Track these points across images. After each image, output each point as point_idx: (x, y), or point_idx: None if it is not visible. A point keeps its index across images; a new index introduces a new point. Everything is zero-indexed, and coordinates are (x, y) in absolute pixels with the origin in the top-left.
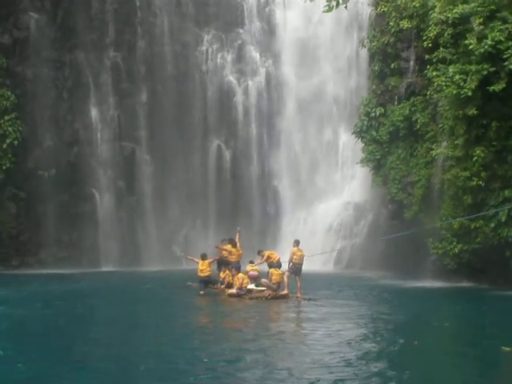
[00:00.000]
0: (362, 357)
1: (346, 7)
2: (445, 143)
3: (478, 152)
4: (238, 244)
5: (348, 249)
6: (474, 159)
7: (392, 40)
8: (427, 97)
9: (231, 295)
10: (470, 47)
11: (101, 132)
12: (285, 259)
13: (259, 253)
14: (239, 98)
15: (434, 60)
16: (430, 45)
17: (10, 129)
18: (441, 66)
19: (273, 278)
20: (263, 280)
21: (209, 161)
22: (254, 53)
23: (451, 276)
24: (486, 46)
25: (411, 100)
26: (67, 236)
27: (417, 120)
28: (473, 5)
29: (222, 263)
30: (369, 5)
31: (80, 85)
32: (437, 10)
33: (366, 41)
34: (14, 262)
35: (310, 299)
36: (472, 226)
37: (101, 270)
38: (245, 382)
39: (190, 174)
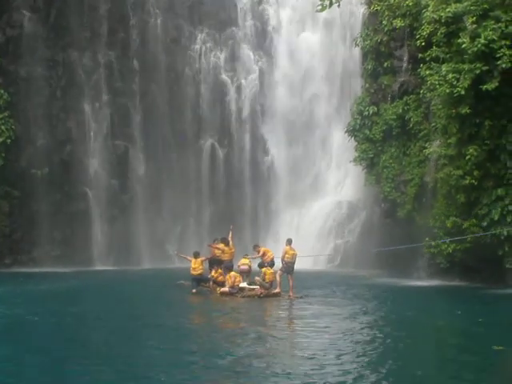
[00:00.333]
0: (353, 354)
1: (338, 6)
2: (438, 142)
3: (470, 151)
4: (230, 242)
5: (341, 247)
6: (467, 158)
7: (385, 39)
8: (420, 95)
9: (223, 293)
10: (463, 46)
11: (94, 130)
12: (278, 256)
13: (255, 248)
14: (232, 96)
15: (427, 59)
16: (423, 44)
17: (2, 127)
18: (434, 64)
19: (266, 276)
20: (256, 278)
21: (202, 159)
22: (247, 51)
23: (444, 275)
24: (479, 45)
25: (404, 99)
26: (60, 234)
27: (410, 119)
28: (466, 4)
29: (215, 262)
30: (362, 3)
31: (73, 83)
32: (430, 8)
33: (359, 39)
34: (7, 261)
35: (301, 297)
36: (465, 225)
37: (94, 268)
38: (236, 380)
39: (184, 173)
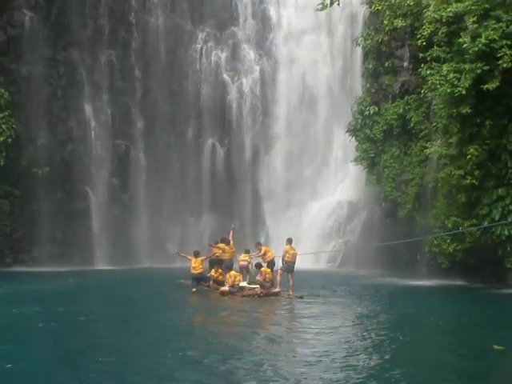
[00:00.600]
0: (353, 354)
1: (338, 4)
2: (439, 142)
3: (471, 150)
4: (231, 242)
5: (342, 247)
6: (468, 158)
7: (386, 38)
8: (421, 95)
9: (223, 293)
10: (464, 46)
11: (95, 130)
12: (278, 255)
13: (257, 245)
14: (233, 95)
15: (428, 58)
16: (424, 43)
17: (3, 126)
18: (435, 64)
19: (267, 276)
20: (257, 278)
21: (203, 159)
22: (248, 51)
23: (445, 274)
24: (480, 45)
25: (405, 98)
26: (61, 234)
27: (411, 118)
28: (467, 3)
29: (215, 262)
30: (363, 3)
31: (74, 83)
32: (431, 8)
33: (360, 39)
34: (8, 260)
35: (301, 297)
36: (465, 225)
37: (94, 267)
38: (235, 380)
39: (184, 172)
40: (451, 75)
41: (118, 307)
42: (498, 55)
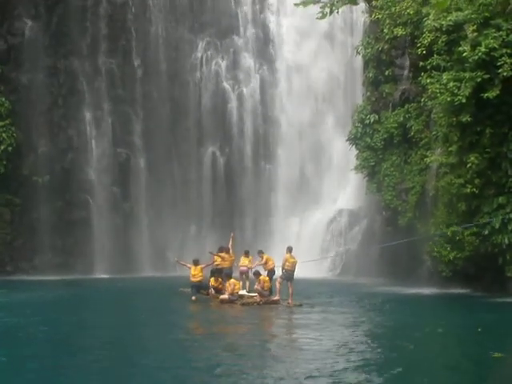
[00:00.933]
0: (352, 363)
1: (337, 13)
2: (439, 150)
3: (471, 159)
4: (230, 250)
5: (342, 255)
6: (468, 166)
7: (386, 47)
8: (421, 104)
9: (223, 301)
10: (464, 54)
11: (95, 138)
12: (278, 265)
13: (259, 253)
14: (233, 104)
15: (428, 67)
16: (424, 52)
17: (4, 135)
18: (435, 73)
19: (265, 284)
20: (255, 287)
21: (203, 167)
22: (248, 59)
23: (446, 283)
24: (480, 53)
25: (405, 107)
26: (61, 242)
27: (411, 127)
28: (466, 12)
29: (216, 272)
30: (363, 12)
31: (74, 91)
32: (431, 17)
33: (360, 48)
34: (9, 268)
35: (301, 305)
36: (465, 233)
37: (95, 276)
38: None
39: (185, 181)
40: (451, 84)
41: (116, 316)
42: (498, 64)
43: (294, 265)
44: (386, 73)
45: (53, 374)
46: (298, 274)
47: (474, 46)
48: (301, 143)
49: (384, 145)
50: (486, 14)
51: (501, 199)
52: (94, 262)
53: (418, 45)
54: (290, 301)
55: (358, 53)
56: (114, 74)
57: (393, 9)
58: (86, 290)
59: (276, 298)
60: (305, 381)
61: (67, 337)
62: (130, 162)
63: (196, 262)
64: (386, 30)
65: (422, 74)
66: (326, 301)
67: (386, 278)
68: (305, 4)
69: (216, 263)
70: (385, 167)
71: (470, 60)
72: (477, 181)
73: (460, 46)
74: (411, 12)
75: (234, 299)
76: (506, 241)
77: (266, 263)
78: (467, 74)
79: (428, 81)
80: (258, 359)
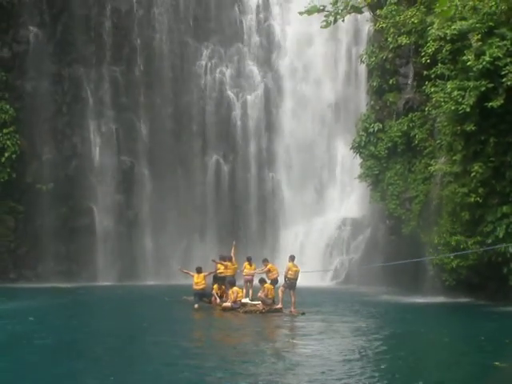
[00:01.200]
0: (353, 373)
1: (343, 21)
2: (443, 159)
3: (475, 168)
4: (233, 258)
5: (346, 264)
6: (472, 175)
7: (390, 56)
8: (425, 113)
9: (225, 309)
10: (468, 63)
11: (99, 146)
12: (281, 273)
13: (264, 261)
14: (238, 112)
15: (433, 76)
16: (429, 61)
17: (8, 142)
18: (439, 82)
19: (269, 292)
20: (259, 294)
21: (207, 175)
22: (252, 67)
23: (449, 292)
24: (484, 63)
25: (409, 116)
26: (65, 250)
27: (415, 136)
28: (471, 21)
29: (218, 279)
30: (367, 21)
31: (79, 99)
32: (435, 26)
33: (364, 56)
34: (12, 276)
35: (303, 313)
36: (469, 242)
37: (98, 284)
38: None
39: (189, 189)
40: (455, 93)
41: (118, 324)
42: (503, 73)
43: (296, 273)
44: (390, 82)
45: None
46: (302, 282)
47: (479, 55)
48: (305, 151)
49: (388, 153)
50: (491, 24)
51: (505, 208)
52: (97, 269)
53: (422, 54)
54: (292, 309)
55: (362, 61)
56: (119, 82)
57: (397, 18)
58: (90, 297)
59: (278, 306)
60: None
61: (70, 344)
62: (133, 169)
63: (199, 270)
64: (390, 39)
65: (426, 82)
66: (328, 309)
67: (390, 286)
68: (309, 12)
69: (219, 271)
70: (389, 176)
71: (475, 69)
72: (481, 190)
73: (464, 55)
74: (415, 21)
75: (237, 307)
76: (510, 250)
77: (269, 272)
78: (471, 83)
79: (432, 90)
80: (257, 367)
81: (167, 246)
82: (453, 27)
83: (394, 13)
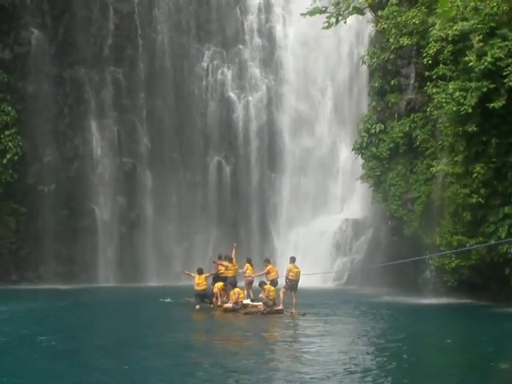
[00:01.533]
0: (354, 375)
1: (345, 22)
2: (445, 160)
3: (477, 169)
4: (233, 259)
5: (348, 265)
6: (474, 176)
7: (392, 57)
8: (427, 113)
9: (227, 310)
10: (470, 64)
11: (101, 147)
12: (282, 274)
13: (265, 261)
14: (239, 113)
15: (434, 77)
16: (430, 62)
17: (10, 144)
18: (441, 82)
19: (270, 293)
20: (260, 295)
21: (209, 176)
22: (254, 69)
23: (452, 293)
24: (486, 63)
25: (411, 116)
26: (67, 251)
27: (417, 136)
28: (472, 22)
29: (219, 279)
30: (369, 22)
31: (80, 100)
32: (437, 27)
33: (366, 57)
34: (14, 277)
35: (304, 315)
36: (471, 243)
37: (100, 285)
38: None
39: (190, 190)
40: (457, 93)
41: (119, 325)
42: (504, 73)
43: (297, 275)
44: (392, 82)
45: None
46: (303, 283)
47: (480, 55)
48: (306, 152)
49: (390, 154)
50: (492, 24)
51: (507, 209)
52: (99, 271)
53: (424, 54)
54: (293, 310)
55: (363, 62)
56: (120, 84)
57: (398, 19)
58: (92, 298)
59: (280, 307)
60: None
61: (70, 346)
62: (135, 171)
63: (200, 271)
64: (391, 40)
65: (428, 83)
66: (330, 311)
67: (392, 287)
68: (311, 13)
69: (220, 272)
70: (390, 177)
71: (476, 70)
72: (482, 191)
73: (466, 55)
74: (417, 22)
75: (238, 308)
76: (510, 249)
77: (268, 273)
78: (473, 84)
79: (434, 90)
80: (257, 369)
81: (169, 248)
82: (454, 28)
83: (395, 14)
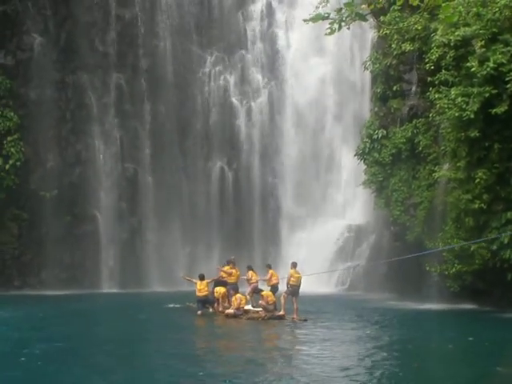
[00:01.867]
0: (358, 379)
1: (348, 28)
2: (447, 165)
3: (480, 174)
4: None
5: (350, 270)
6: (476, 181)
7: (394, 62)
8: (429, 119)
9: (228, 315)
10: (472, 70)
11: (103, 153)
12: (283, 278)
13: (267, 266)
14: (242, 119)
15: (436, 82)
16: (432, 67)
17: (12, 149)
18: (443, 88)
19: (269, 299)
20: (260, 302)
21: (211, 182)
22: (256, 74)
23: (454, 298)
24: (488, 69)
25: (413, 122)
26: (69, 257)
27: (419, 142)
28: (474, 27)
29: (220, 284)
30: (371, 27)
31: (83, 106)
32: (439, 32)
33: (368, 63)
34: (16, 283)
35: (306, 320)
36: (473, 248)
37: (102, 291)
38: None
39: (193, 196)
40: (459, 99)
41: (121, 331)
42: (507, 79)
43: (299, 280)
44: (394, 88)
45: None
46: (306, 288)
47: (482, 61)
48: (309, 158)
49: (392, 160)
50: (494, 30)
51: (509, 214)
52: (101, 276)
53: (426, 60)
54: (295, 316)
55: (366, 68)
56: (123, 89)
57: (401, 24)
58: (93, 304)
59: (281, 313)
60: None
61: (71, 352)
62: (137, 176)
63: (202, 277)
64: (393, 46)
65: (430, 89)
66: (332, 316)
67: (394, 293)
68: (314, 20)
69: (223, 276)
70: (393, 182)
71: (478, 75)
72: (485, 196)
73: (468, 61)
74: (419, 27)
75: (240, 314)
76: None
77: (269, 279)
78: (475, 90)
79: (436, 96)
80: (258, 374)
81: (171, 253)
82: (456, 33)
83: (397, 19)
